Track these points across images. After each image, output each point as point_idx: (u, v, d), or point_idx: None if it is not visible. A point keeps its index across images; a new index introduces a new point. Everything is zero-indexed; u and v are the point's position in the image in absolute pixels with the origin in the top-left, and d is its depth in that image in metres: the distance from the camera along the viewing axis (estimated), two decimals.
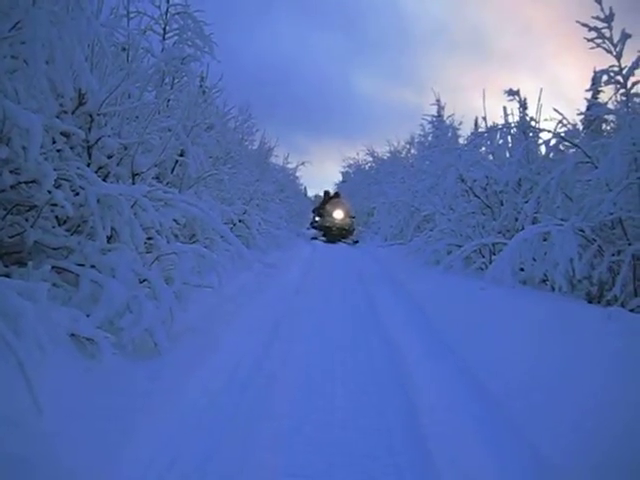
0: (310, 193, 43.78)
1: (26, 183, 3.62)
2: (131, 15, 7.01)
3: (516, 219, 6.67)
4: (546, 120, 6.44)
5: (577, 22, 5.94)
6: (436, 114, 15.58)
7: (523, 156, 6.53)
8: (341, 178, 32.37)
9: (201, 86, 13.29)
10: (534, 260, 6.07)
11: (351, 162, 27.77)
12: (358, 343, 4.74)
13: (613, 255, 5.95)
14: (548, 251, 5.73)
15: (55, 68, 3.72)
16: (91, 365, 2.82)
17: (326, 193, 21.48)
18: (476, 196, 7.19)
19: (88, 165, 4.42)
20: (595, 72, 7.10)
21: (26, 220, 3.70)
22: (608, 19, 5.82)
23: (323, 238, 18.60)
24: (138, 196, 3.71)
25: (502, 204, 7.06)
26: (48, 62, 3.69)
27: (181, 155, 6.25)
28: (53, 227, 3.80)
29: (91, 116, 4.29)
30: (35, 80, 3.59)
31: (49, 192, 3.47)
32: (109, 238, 3.81)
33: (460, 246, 7.26)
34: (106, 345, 2.86)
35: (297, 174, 21.61)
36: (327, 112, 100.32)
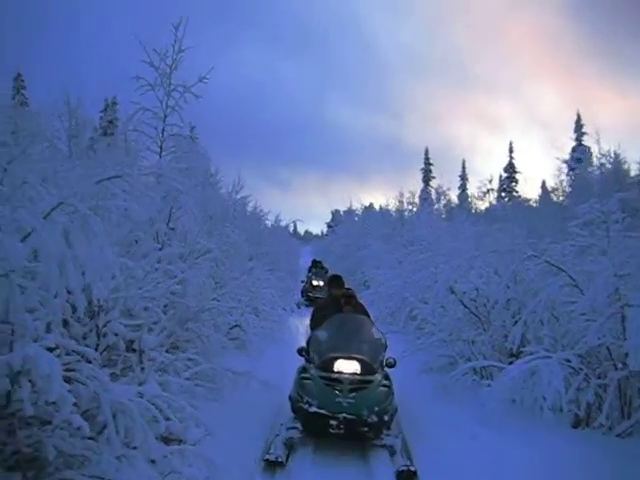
0: (300, 228, 43.61)
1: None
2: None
3: (505, 336, 6.91)
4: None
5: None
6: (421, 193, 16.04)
7: (511, 279, 6.80)
8: (330, 217, 32.35)
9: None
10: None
11: (339, 208, 27.79)
12: None
13: (599, 377, 6.21)
14: (536, 382, 5.97)
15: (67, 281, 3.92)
16: None
17: (315, 265, 13.89)
18: (466, 307, 7.44)
19: (97, 345, 4.64)
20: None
21: (43, 431, 3.88)
22: None
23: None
24: (146, 403, 3.91)
25: (490, 314, 7.32)
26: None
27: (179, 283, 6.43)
28: (70, 435, 3.97)
29: (99, 305, 4.51)
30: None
31: None
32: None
33: (451, 356, 7.54)
34: None
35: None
36: (303, 141, 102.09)
